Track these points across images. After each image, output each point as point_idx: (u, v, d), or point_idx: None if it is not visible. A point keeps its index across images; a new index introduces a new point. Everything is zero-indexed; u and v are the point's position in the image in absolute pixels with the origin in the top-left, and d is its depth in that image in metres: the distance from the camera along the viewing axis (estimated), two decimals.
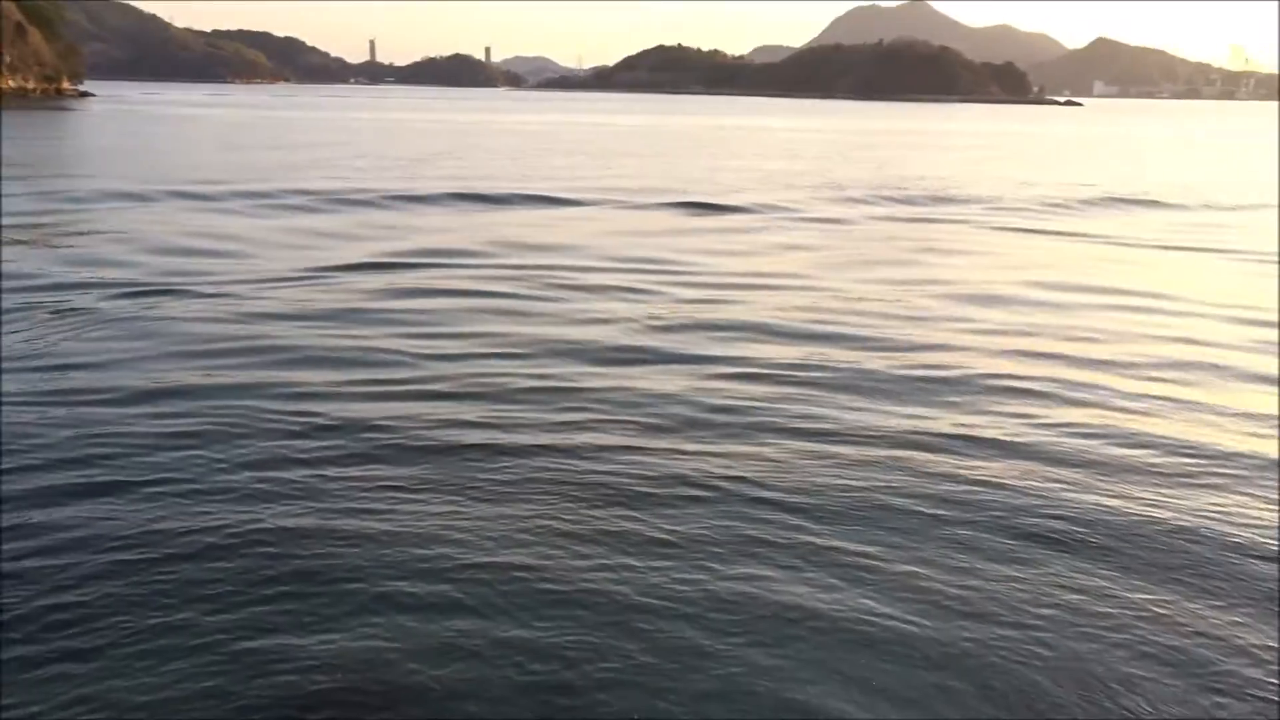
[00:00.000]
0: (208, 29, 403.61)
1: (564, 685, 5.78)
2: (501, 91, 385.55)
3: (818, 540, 7.63)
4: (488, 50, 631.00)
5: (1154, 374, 12.61)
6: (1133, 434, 10.20)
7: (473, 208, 29.60)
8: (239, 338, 13.40)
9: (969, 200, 34.57)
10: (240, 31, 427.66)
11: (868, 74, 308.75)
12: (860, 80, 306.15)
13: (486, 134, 73.85)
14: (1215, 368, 12.98)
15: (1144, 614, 6.68)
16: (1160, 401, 11.41)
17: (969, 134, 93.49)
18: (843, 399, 11.24)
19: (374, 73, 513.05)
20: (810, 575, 7.08)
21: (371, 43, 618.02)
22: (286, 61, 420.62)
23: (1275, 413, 11.01)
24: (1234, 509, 8.38)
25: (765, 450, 9.54)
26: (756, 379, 11.99)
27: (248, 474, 8.65)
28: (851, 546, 7.53)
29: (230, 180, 34.04)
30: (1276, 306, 17.05)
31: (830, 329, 14.78)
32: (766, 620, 6.49)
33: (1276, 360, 13.43)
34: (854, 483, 8.75)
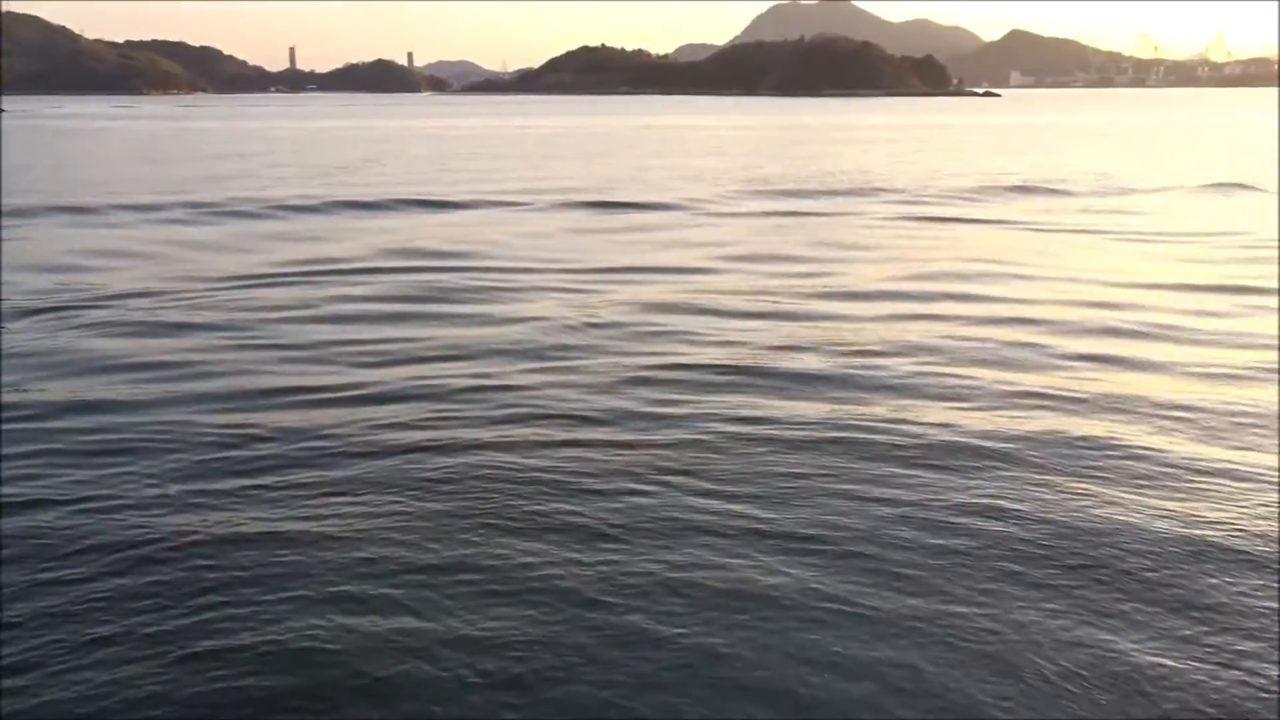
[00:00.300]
0: (120, 39, 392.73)
1: (515, 679, 5.80)
2: (426, 96, 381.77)
3: (760, 524, 7.76)
4: (410, 55, 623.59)
5: (1076, 351, 13.04)
6: (1050, 414, 10.58)
7: (400, 213, 29.28)
8: (156, 351, 13.14)
9: (893, 192, 35.22)
10: (154, 42, 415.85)
11: (791, 70, 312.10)
12: (784, 77, 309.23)
13: (412, 140, 73.04)
14: (1136, 341, 13.45)
15: (1076, 579, 6.93)
16: (1079, 382, 11.80)
17: (893, 127, 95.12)
18: (773, 387, 11.44)
19: (295, 80, 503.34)
20: (755, 557, 7.22)
21: (291, 50, 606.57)
22: (204, 71, 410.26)
23: (1176, 397, 11.39)
24: (1153, 489, 8.71)
25: (702, 439, 9.66)
26: (686, 369, 12.15)
27: (179, 486, 8.51)
28: (793, 528, 7.68)
29: (157, 192, 33.22)
30: (1184, 284, 17.74)
31: (759, 321, 15.01)
32: (715, 603, 6.60)
33: (1189, 343, 13.94)
34: (791, 469, 8.91)
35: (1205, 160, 48.90)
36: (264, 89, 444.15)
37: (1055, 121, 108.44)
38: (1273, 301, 16.24)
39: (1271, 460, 9.08)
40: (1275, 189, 34.43)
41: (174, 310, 15.68)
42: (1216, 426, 10.05)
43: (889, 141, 69.81)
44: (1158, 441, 9.59)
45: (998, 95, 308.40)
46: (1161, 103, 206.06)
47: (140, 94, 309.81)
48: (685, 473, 8.81)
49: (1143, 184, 37.47)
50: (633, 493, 8.39)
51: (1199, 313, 15.42)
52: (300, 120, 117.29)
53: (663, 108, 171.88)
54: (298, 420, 10.23)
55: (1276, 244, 22.24)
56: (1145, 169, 44.10)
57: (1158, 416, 10.36)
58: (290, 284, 18.02)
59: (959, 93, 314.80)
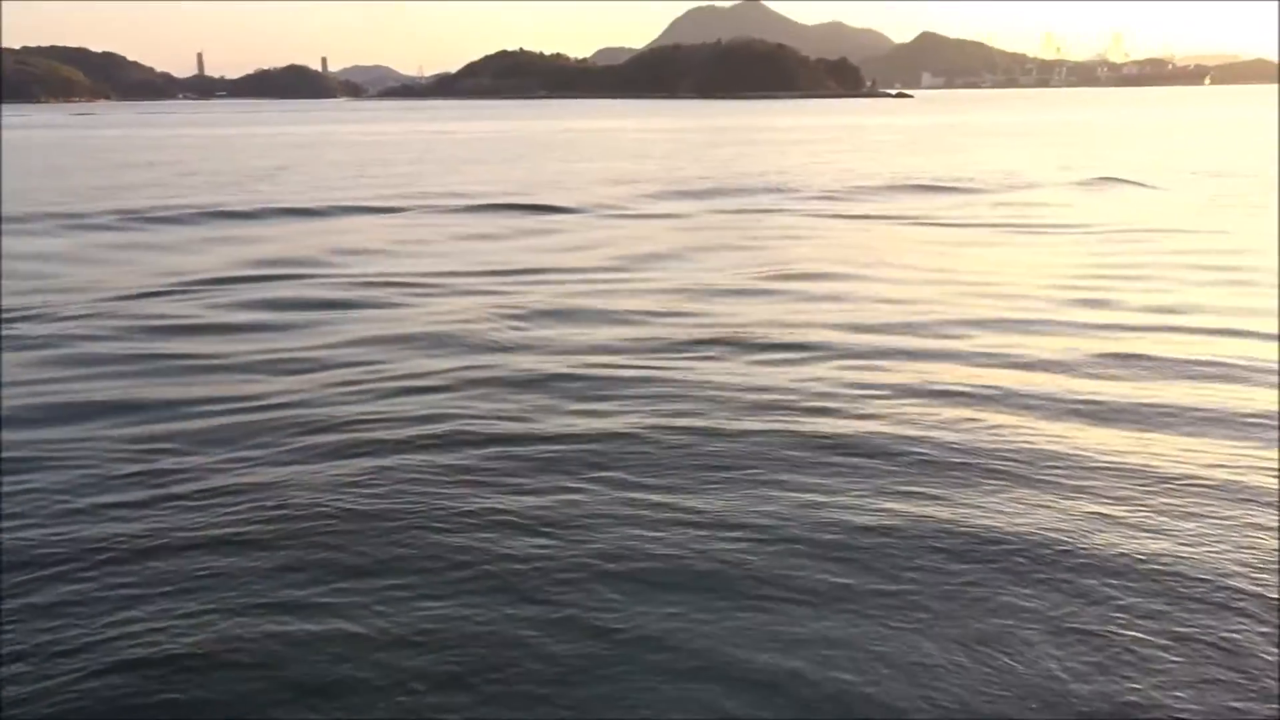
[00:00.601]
0: (16, 45, 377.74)
1: (450, 675, 5.81)
2: (341, 102, 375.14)
3: (685, 512, 7.91)
4: (324, 60, 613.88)
5: (985, 343, 13.52)
6: (959, 405, 10.96)
7: (309, 220, 28.70)
8: (68, 363, 12.77)
9: (809, 191, 35.86)
10: (54, 48, 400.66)
11: (709, 73, 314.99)
12: (703, 79, 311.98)
13: (328, 146, 71.75)
14: (1041, 332, 13.97)
15: (989, 555, 7.19)
16: (988, 374, 12.26)
17: (810, 128, 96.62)
18: (687, 381, 11.64)
19: (204, 87, 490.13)
20: (683, 543, 7.38)
21: (199, 55, 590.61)
22: (106, 78, 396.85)
23: (1071, 386, 11.86)
24: (1051, 475, 9.11)
25: (625, 433, 9.79)
26: (602, 366, 12.32)
27: (91, 499, 8.29)
28: (718, 515, 7.87)
29: (67, 202, 32.05)
30: (1084, 273, 18.54)
31: (671, 318, 15.28)
32: (645, 588, 6.74)
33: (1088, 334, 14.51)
34: (712, 461, 9.09)
35: (1098, 157, 50.82)
36: (171, 96, 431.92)
37: (965, 121, 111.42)
38: (1159, 286, 17.21)
39: (1180, 443, 9.51)
40: (1155, 183, 36.16)
41: (80, 322, 15.20)
42: (1112, 411, 10.52)
43: (807, 142, 70.95)
44: (1060, 429, 10.00)
45: (910, 96, 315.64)
46: (1063, 102, 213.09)
47: (39, 102, 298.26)
48: (610, 465, 8.92)
49: (1044, 180, 38.86)
50: (560, 488, 8.44)
51: (1085, 301, 16.07)
52: (210, 128, 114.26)
53: (583, 111, 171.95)
54: (211, 428, 10.05)
55: (1156, 233, 23.73)
56: (1045, 167, 45.61)
57: (1058, 406, 10.82)
58: (201, 293, 17.64)
59: (873, 94, 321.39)
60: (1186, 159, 48.81)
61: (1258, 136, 68.30)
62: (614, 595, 6.67)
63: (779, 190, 36.07)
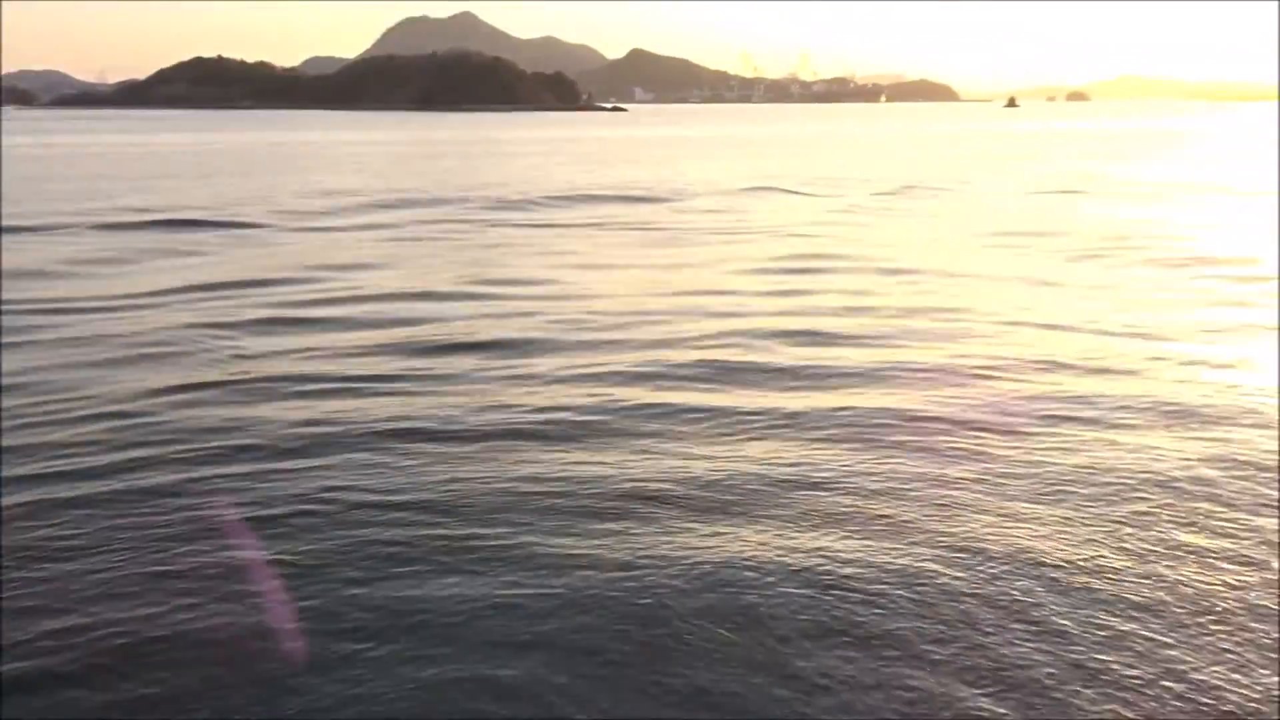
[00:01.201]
0: None
1: (176, 690, 5.78)
2: (10, 111, 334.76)
3: (400, 499, 8.20)
4: None
5: (676, 328, 14.75)
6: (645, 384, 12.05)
7: None
8: None
9: (522, 200, 36.80)
10: None
11: (426, 85, 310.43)
12: (419, 91, 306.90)
13: None
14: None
15: (720, 552, 7.87)
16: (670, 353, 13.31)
17: (530, 140, 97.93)
18: (387, 376, 12.22)
19: None
20: (407, 517, 7.79)
21: None
22: None
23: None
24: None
25: (327, 431, 10.07)
26: (307, 371, 12.51)
27: None
28: (425, 496, 8.22)
29: None
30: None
31: (370, 321, 15.85)
32: (373, 566, 7.15)
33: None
34: (428, 450, 9.49)
35: (787, 169, 55.58)
36: None
37: (676, 135, 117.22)
38: (828, 274, 19.91)
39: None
40: (831, 192, 40.61)
41: None
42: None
43: (526, 155, 71.94)
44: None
45: (625, 110, 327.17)
46: (762, 118, 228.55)
47: None
48: (328, 468, 9.11)
49: (733, 188, 42.41)
50: (285, 496, 8.49)
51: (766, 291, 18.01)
52: None
53: (294, 123, 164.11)
54: None
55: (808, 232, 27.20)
56: (741, 176, 49.40)
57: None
58: None
59: (589, 107, 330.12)
60: (859, 169, 54.50)
61: (921, 149, 77.51)
62: (352, 582, 6.89)
63: (494, 200, 36.57)
